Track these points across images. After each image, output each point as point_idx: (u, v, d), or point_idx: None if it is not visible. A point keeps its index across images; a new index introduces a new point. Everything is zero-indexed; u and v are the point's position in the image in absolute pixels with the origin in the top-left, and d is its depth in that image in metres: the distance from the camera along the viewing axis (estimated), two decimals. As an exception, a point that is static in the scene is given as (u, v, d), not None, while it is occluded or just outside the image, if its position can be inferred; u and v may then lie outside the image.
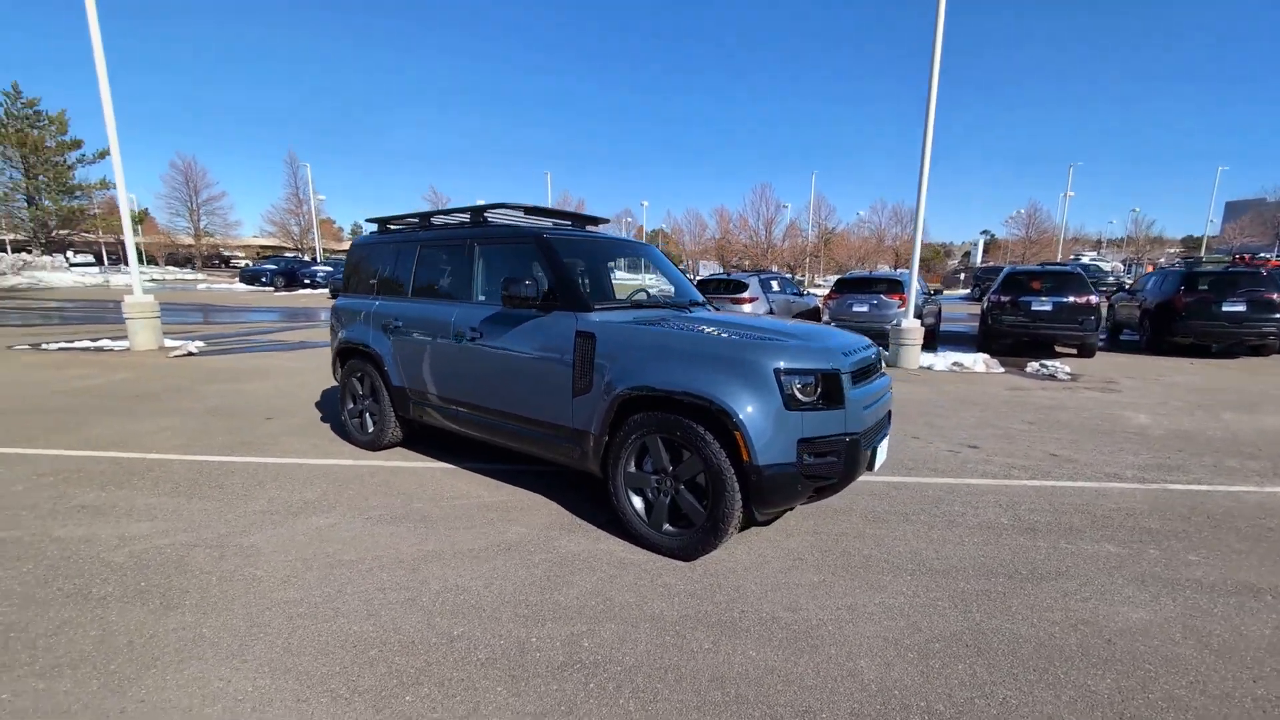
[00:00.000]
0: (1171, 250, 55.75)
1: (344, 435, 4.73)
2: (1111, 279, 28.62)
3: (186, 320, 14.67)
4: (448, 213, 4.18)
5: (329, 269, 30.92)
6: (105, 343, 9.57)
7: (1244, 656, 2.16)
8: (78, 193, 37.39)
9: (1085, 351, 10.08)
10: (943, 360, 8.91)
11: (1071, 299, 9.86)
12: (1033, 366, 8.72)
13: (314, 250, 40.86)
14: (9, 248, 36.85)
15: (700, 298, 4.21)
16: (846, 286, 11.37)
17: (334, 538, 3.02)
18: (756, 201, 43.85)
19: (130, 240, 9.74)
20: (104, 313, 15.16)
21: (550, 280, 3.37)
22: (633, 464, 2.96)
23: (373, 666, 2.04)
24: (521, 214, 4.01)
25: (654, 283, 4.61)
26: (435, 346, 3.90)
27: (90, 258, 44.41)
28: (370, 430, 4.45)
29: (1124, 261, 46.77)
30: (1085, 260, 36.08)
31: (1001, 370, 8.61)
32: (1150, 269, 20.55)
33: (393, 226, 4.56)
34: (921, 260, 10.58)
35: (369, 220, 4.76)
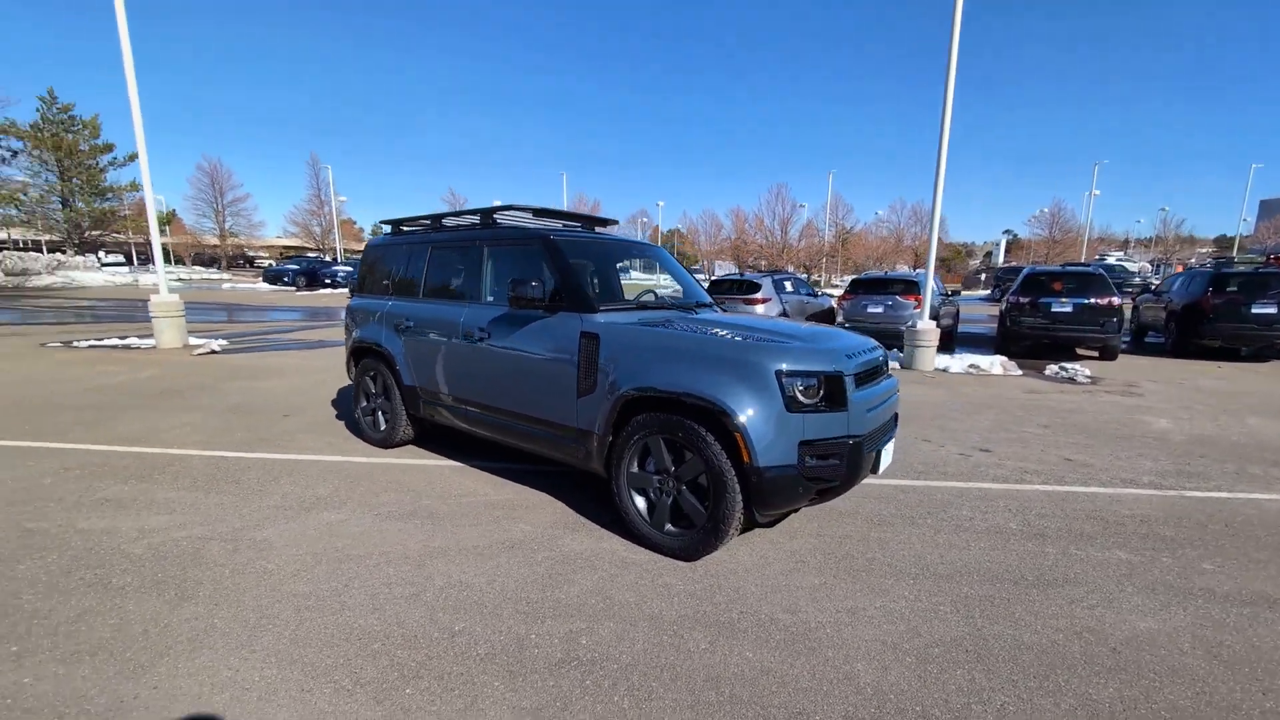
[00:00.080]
0: (1203, 250, 54.23)
1: (357, 433, 4.82)
2: (1138, 279, 27.92)
3: (211, 319, 15.05)
4: (458, 215, 4.25)
5: (349, 269, 31.40)
6: (133, 340, 9.86)
7: (1254, 668, 2.11)
8: (109, 195, 38.62)
9: (1107, 354, 9.85)
10: (959, 362, 8.79)
11: (1093, 300, 9.65)
12: (1052, 369, 8.56)
13: (335, 250, 41.57)
14: (44, 248, 38.13)
15: (707, 299, 4.21)
16: (862, 287, 11.25)
17: (344, 533, 3.09)
18: (772, 201, 43.59)
19: (156, 241, 10.03)
20: (133, 311, 15.60)
21: (556, 281, 3.40)
22: (636, 464, 2.98)
23: (375, 659, 2.09)
24: (530, 216, 4.06)
25: (667, 283, 4.63)
26: (445, 346, 3.96)
27: (121, 258, 45.74)
28: (383, 428, 4.53)
29: (1152, 262, 45.57)
30: (1110, 260, 35.17)
31: (1019, 373, 8.46)
32: (1179, 269, 19.98)
33: (406, 228, 4.64)
34: (942, 260, 10.49)
35: (383, 222, 4.86)
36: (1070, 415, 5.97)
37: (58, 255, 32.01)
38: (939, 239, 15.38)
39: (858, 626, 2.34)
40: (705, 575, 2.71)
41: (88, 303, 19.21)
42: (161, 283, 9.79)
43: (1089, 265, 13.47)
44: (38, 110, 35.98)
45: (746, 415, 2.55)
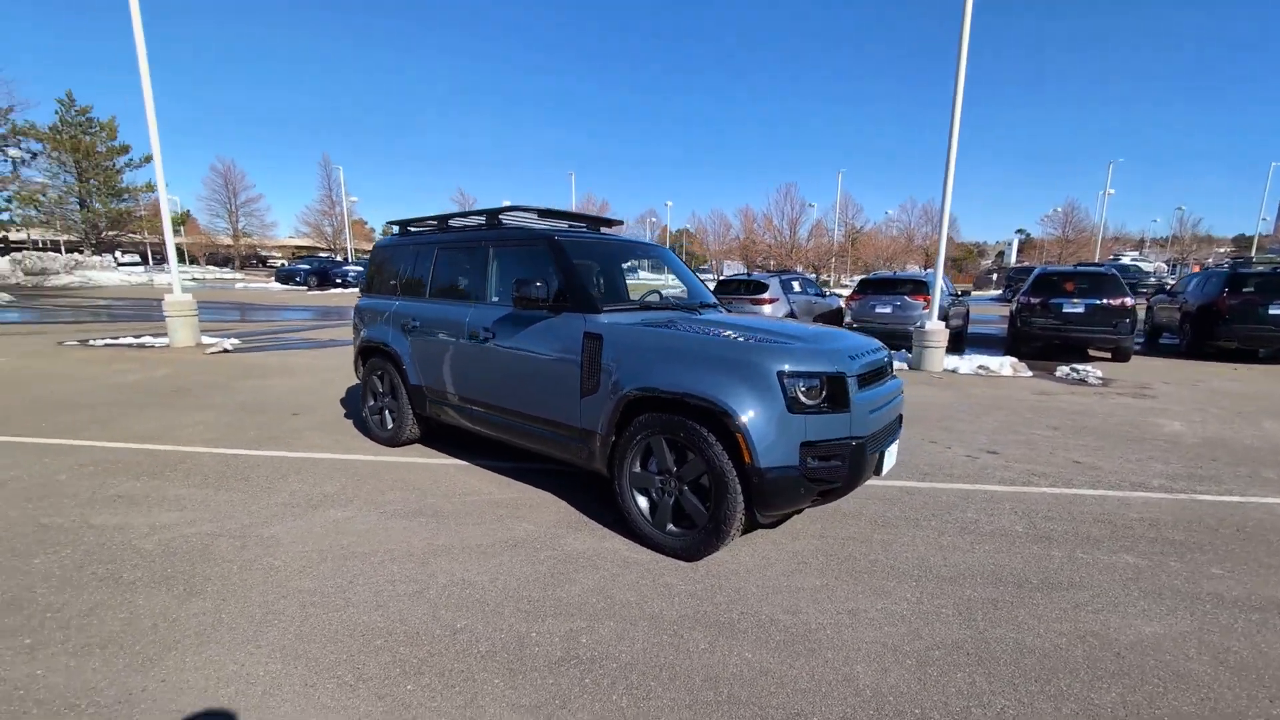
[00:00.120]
0: (1220, 250, 53.31)
1: (364, 431, 4.87)
2: (1153, 280, 27.55)
3: (224, 318, 15.25)
4: (464, 215, 4.28)
5: (360, 269, 31.69)
6: (147, 339, 10.02)
7: (1262, 675, 2.09)
8: (125, 195, 39.31)
9: (1120, 355, 9.73)
10: (968, 363, 8.72)
11: (1105, 301, 9.53)
12: (1062, 370, 8.46)
13: (346, 250, 41.95)
14: (63, 248, 38.81)
15: (712, 299, 4.21)
16: (870, 287, 11.19)
17: (350, 530, 3.13)
18: (781, 201, 43.29)
19: (170, 241, 10.18)
20: (148, 310, 15.84)
21: (560, 281, 3.42)
22: (638, 464, 2.99)
23: (378, 655, 2.12)
24: (535, 216, 4.08)
25: (673, 284, 4.64)
26: (451, 346, 3.99)
27: (136, 257, 46.46)
28: (389, 427, 4.58)
29: (1168, 262, 44.94)
30: (1125, 260, 34.75)
31: (1029, 374, 8.38)
32: (1196, 269, 19.68)
33: (413, 229, 4.68)
34: (953, 260, 10.42)
35: (391, 223, 4.90)
36: (1080, 417, 5.91)
37: (75, 255, 32.61)
38: (950, 238, 15.25)
39: (858, 628, 2.33)
40: (706, 575, 2.72)
41: (104, 302, 19.54)
42: (175, 282, 9.94)
43: (1102, 265, 13.28)
44: (56, 113, 36.73)
45: (748, 416, 2.55)
